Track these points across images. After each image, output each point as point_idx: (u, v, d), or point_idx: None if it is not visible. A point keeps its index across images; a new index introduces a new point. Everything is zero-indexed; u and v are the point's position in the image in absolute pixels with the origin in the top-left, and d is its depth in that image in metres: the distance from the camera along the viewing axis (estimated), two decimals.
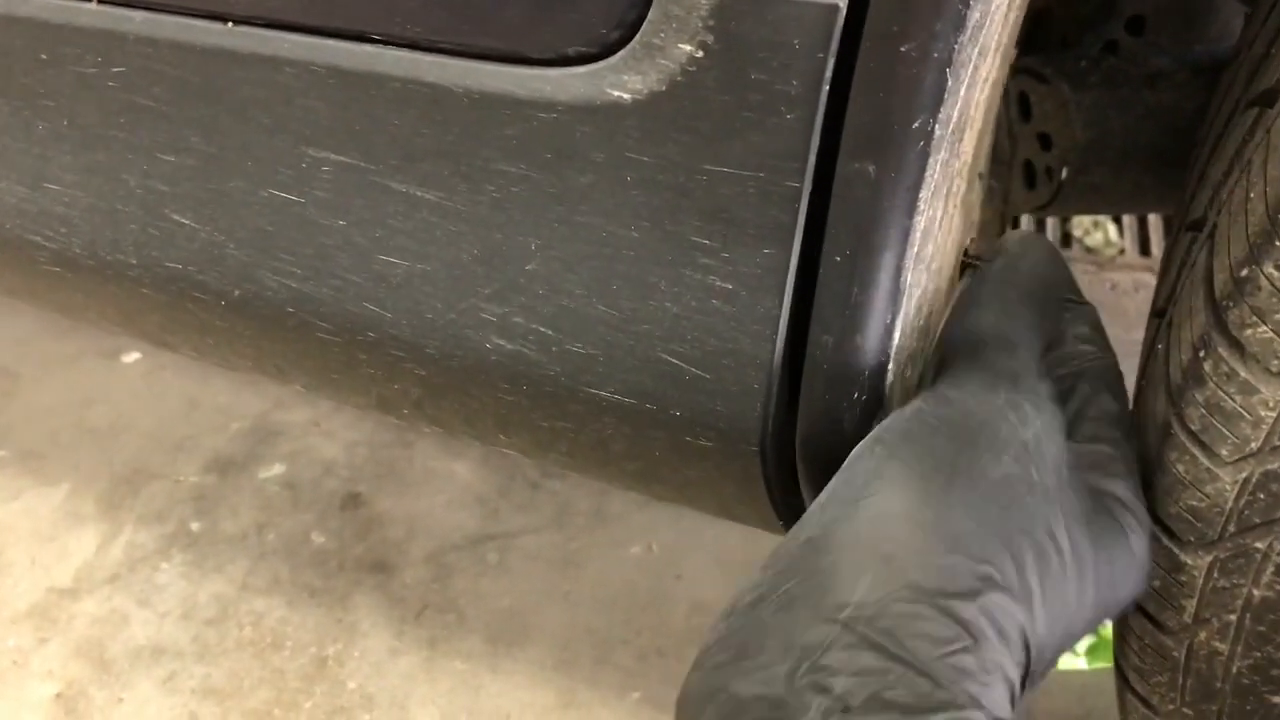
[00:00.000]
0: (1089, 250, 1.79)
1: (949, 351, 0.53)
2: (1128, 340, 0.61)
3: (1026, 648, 0.43)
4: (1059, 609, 0.45)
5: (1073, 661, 1.12)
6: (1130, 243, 1.78)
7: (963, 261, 0.60)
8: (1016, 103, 0.91)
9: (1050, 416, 0.50)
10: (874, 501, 0.44)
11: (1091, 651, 1.12)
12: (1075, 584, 0.46)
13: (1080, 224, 1.81)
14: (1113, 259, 1.76)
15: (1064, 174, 0.86)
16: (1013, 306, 0.53)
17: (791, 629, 0.41)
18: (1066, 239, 1.80)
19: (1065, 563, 0.46)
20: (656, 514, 1.27)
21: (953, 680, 0.39)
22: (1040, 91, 0.87)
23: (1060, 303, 0.57)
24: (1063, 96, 0.85)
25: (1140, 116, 0.84)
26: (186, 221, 0.64)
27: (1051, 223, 1.79)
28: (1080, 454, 0.52)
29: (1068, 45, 0.90)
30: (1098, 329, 0.57)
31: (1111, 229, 1.81)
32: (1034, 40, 0.94)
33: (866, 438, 0.48)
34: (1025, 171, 0.92)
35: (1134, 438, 0.55)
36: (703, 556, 1.22)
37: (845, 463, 0.47)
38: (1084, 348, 0.56)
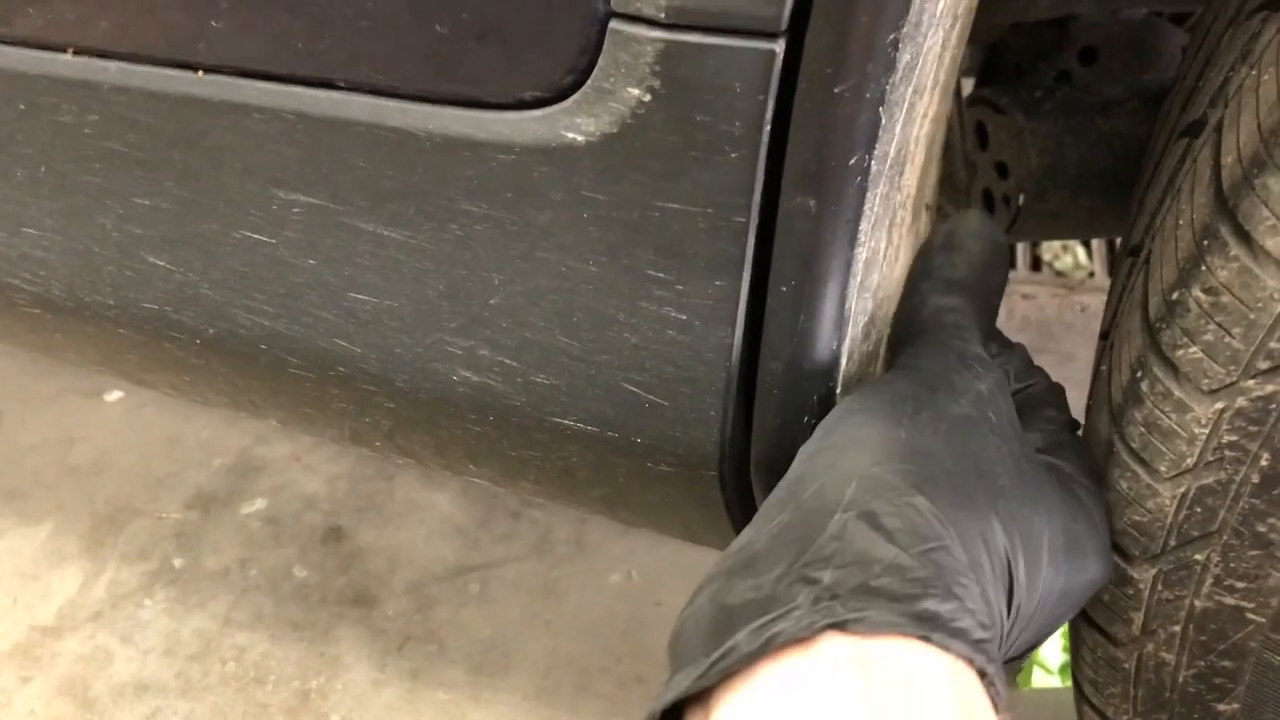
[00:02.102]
0: (1059, 274, 1.81)
1: (898, 337, 0.56)
2: None
3: (1010, 576, 0.45)
4: (1030, 543, 0.47)
5: (1046, 679, 1.14)
6: (1099, 266, 1.81)
7: None
8: (974, 132, 0.93)
9: (997, 380, 0.52)
10: (847, 431, 0.47)
11: (1064, 670, 1.14)
12: (1045, 525, 0.48)
13: (1050, 248, 1.84)
14: (1082, 282, 1.78)
15: (1021, 200, 0.88)
16: (952, 296, 0.56)
17: (782, 546, 0.42)
18: (1036, 263, 1.83)
19: (1033, 497, 0.48)
20: (635, 542, 1.28)
21: (935, 574, 0.41)
22: (996, 121, 0.89)
23: (996, 292, 0.60)
24: (1018, 125, 0.86)
25: (1094, 144, 0.86)
26: (161, 263, 0.66)
27: (1021, 246, 1.81)
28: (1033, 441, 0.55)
29: (1022, 76, 0.92)
30: (1030, 364, 0.61)
31: (1081, 253, 1.83)
32: (989, 71, 0.97)
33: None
34: (984, 199, 0.94)
35: (1082, 443, 0.58)
36: (682, 583, 1.23)
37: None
38: (1028, 371, 0.59)
